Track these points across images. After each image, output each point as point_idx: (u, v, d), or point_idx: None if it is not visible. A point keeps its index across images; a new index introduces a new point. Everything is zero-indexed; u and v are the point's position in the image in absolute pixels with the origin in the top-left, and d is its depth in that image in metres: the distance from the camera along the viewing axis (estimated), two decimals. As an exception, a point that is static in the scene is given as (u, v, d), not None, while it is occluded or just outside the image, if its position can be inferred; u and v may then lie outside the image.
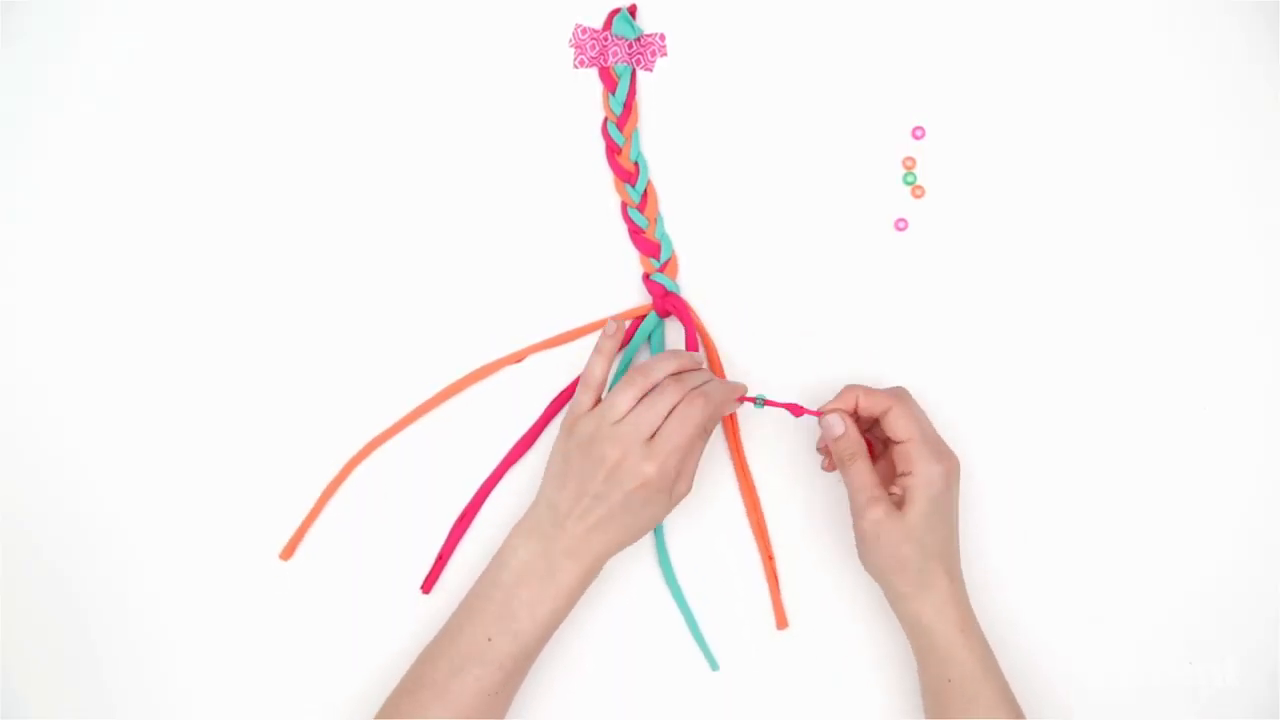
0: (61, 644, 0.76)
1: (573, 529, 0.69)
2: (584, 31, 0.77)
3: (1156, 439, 0.76)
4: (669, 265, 0.77)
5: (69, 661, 0.76)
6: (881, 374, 0.76)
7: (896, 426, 0.70)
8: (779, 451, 0.77)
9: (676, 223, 0.77)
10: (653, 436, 0.69)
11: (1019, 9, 0.77)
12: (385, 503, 0.77)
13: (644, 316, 0.77)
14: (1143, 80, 0.77)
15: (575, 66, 0.77)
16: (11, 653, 0.76)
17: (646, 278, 0.77)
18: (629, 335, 0.76)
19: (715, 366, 0.77)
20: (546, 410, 0.77)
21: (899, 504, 0.69)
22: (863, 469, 0.70)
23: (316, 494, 0.76)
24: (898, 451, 0.70)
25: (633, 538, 0.71)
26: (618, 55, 0.77)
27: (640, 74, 0.77)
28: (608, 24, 0.77)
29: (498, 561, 0.71)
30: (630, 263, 0.77)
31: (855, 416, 0.72)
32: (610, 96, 0.77)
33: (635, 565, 0.76)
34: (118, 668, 0.76)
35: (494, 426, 0.77)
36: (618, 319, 0.75)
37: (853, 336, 0.77)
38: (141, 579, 0.76)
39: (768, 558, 0.75)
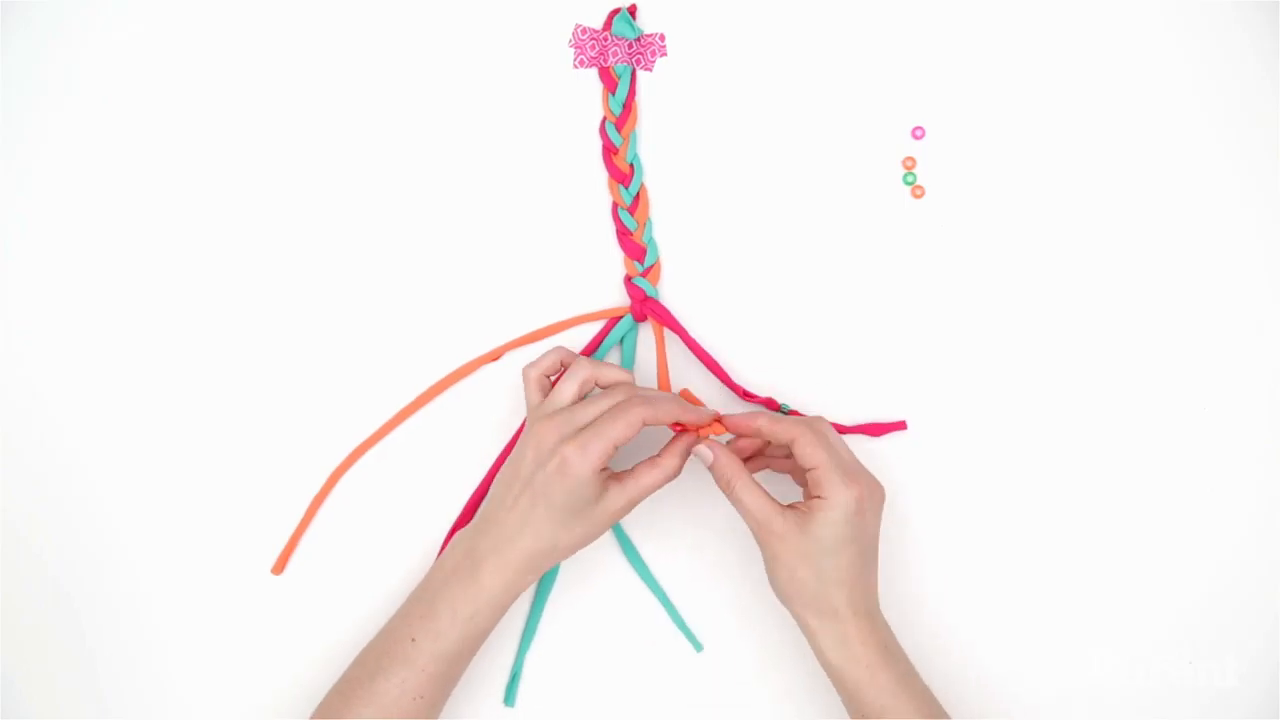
0: (58, 670, 0.76)
1: (501, 520, 0.68)
2: (584, 32, 0.77)
3: (1156, 439, 0.76)
4: (652, 270, 0.77)
5: (67, 691, 0.76)
6: (877, 379, 0.76)
7: (804, 454, 0.67)
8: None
9: (665, 229, 0.77)
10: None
11: (1019, 9, 0.77)
12: (374, 511, 0.76)
13: (619, 318, 0.76)
14: (1143, 80, 0.77)
15: (575, 66, 0.77)
16: (8, 658, 0.76)
17: (628, 280, 0.76)
18: (602, 335, 0.76)
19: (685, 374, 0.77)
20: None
21: (801, 526, 0.67)
22: (746, 490, 0.68)
23: (304, 505, 0.76)
24: (809, 479, 0.68)
25: (560, 544, 0.68)
26: (618, 55, 0.77)
27: (640, 74, 0.77)
28: (608, 24, 0.77)
29: (437, 561, 0.71)
30: (614, 264, 0.77)
31: (765, 444, 0.71)
32: (610, 97, 0.77)
33: (609, 560, 0.76)
34: (116, 682, 0.76)
35: (476, 427, 0.77)
36: (593, 317, 0.75)
37: (852, 338, 0.77)
38: (135, 593, 0.76)
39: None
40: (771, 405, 0.76)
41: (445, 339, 0.77)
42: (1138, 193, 0.77)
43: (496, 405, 0.77)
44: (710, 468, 0.70)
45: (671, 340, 0.77)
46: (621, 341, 0.77)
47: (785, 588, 0.68)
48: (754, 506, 0.68)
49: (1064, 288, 0.77)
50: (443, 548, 0.76)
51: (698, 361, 0.76)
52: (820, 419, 0.70)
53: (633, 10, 0.77)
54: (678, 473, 0.69)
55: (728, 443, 0.71)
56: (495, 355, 0.77)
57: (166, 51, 0.78)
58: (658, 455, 0.70)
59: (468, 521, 0.76)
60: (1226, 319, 0.76)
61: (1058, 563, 0.76)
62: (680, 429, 0.71)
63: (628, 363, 0.77)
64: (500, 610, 0.69)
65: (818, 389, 0.76)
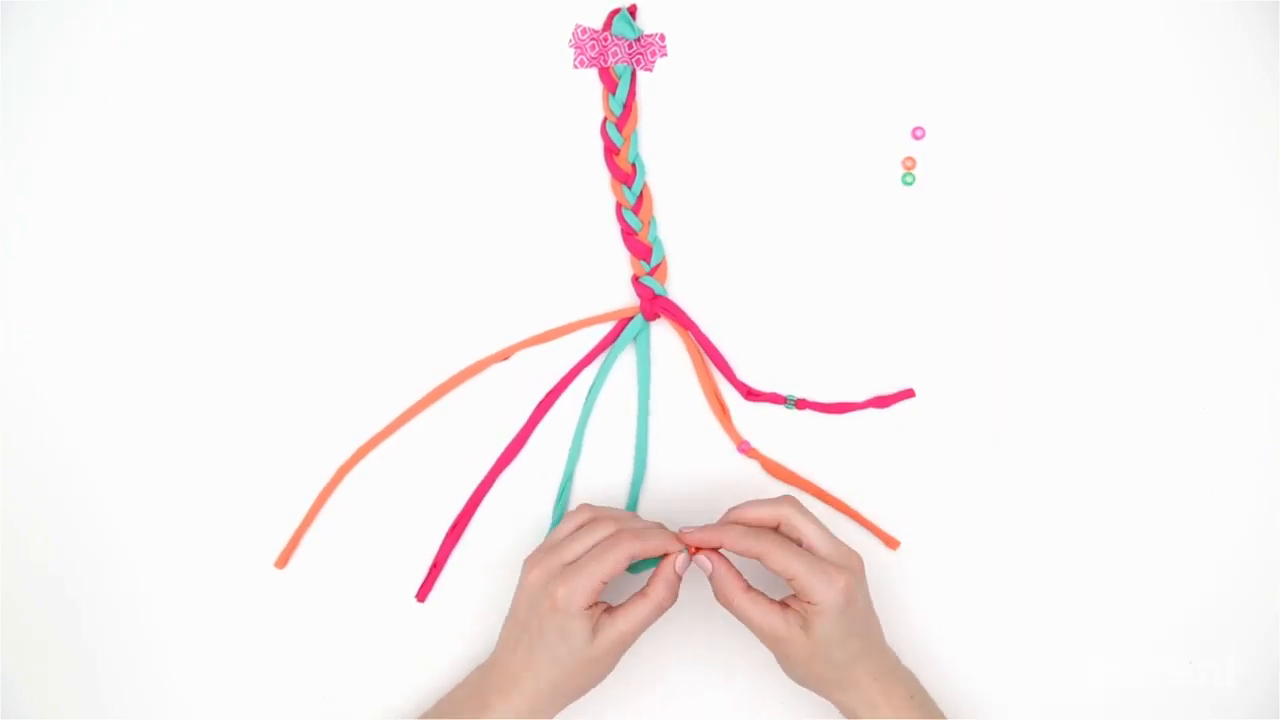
0: (58, 670, 0.76)
1: (506, 662, 0.68)
2: (584, 32, 0.77)
3: (1156, 439, 0.76)
4: (659, 269, 0.77)
5: (68, 690, 0.76)
6: (882, 373, 0.76)
7: (778, 568, 0.67)
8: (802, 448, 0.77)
9: (670, 227, 0.77)
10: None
11: (1019, 9, 0.77)
12: (379, 508, 0.76)
13: (630, 319, 0.77)
14: (1143, 80, 0.77)
15: (575, 67, 0.77)
16: (8, 658, 0.76)
17: (636, 280, 0.77)
18: (613, 335, 0.76)
19: (705, 370, 0.77)
20: (535, 411, 0.76)
21: (804, 625, 0.67)
22: (746, 603, 0.68)
23: (309, 501, 0.76)
24: (793, 587, 0.67)
25: (561, 686, 0.67)
26: (618, 55, 0.77)
27: (640, 74, 0.77)
28: (608, 24, 0.77)
29: (446, 695, 0.71)
30: (621, 264, 0.77)
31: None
32: (610, 97, 0.77)
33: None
34: (116, 681, 0.76)
35: (484, 426, 0.77)
36: (604, 318, 0.75)
37: (856, 332, 0.77)
38: (136, 592, 0.76)
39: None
40: (777, 400, 0.76)
41: (451, 341, 0.77)
42: (1138, 193, 0.77)
43: (505, 404, 0.77)
44: (710, 578, 0.69)
45: (675, 340, 0.77)
46: (635, 342, 0.77)
47: (806, 680, 0.69)
48: (758, 618, 0.68)
49: (1064, 287, 0.77)
50: (442, 551, 0.76)
51: (702, 363, 0.76)
52: (787, 498, 0.69)
53: (633, 10, 0.77)
54: (671, 601, 0.68)
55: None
56: (505, 355, 0.77)
57: (166, 51, 0.78)
58: (646, 586, 0.69)
59: (466, 522, 0.76)
60: (1226, 319, 0.76)
61: (1057, 563, 0.76)
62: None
63: (643, 362, 0.77)
64: None
65: (824, 383, 0.76)
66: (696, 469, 0.76)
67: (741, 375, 0.77)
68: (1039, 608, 0.76)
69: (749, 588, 0.69)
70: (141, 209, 0.78)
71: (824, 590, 0.66)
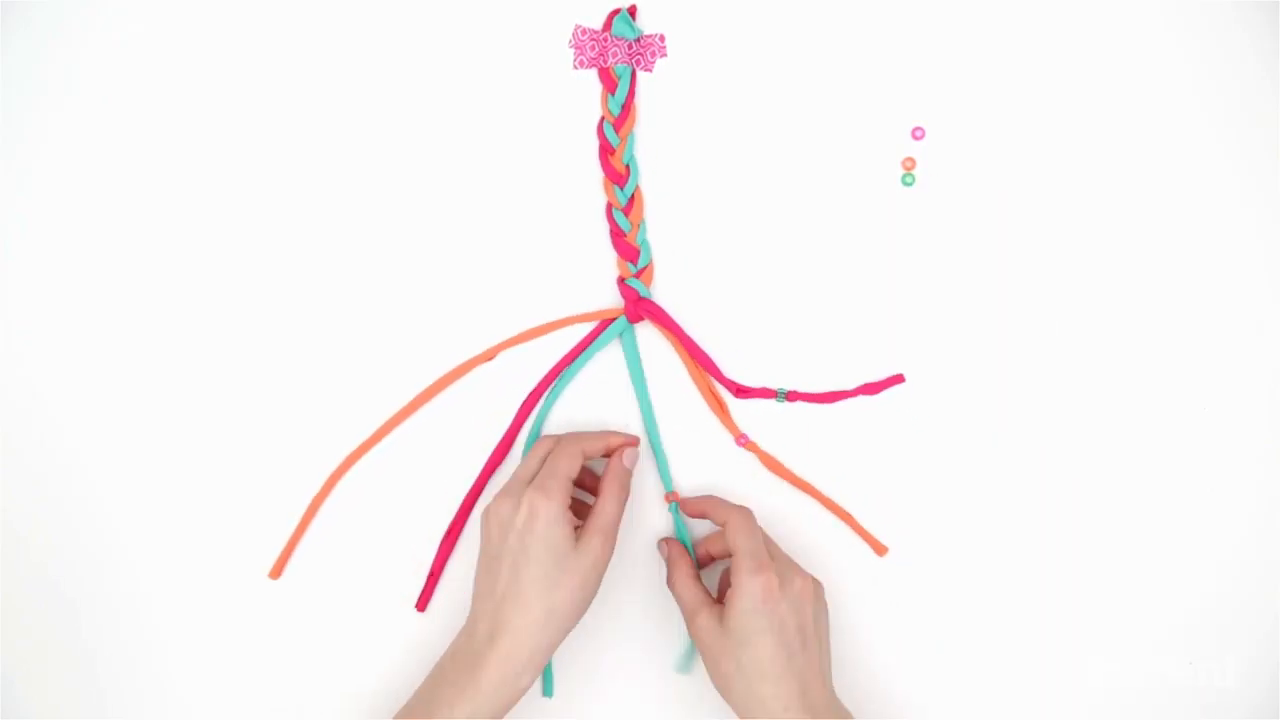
0: (58, 670, 0.76)
1: (490, 610, 0.66)
2: (584, 32, 0.77)
3: (1156, 439, 0.76)
4: (645, 272, 0.76)
5: (68, 690, 0.76)
6: (874, 378, 0.76)
7: (731, 538, 0.69)
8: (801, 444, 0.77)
9: (659, 231, 0.77)
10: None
11: (1019, 9, 0.77)
12: (372, 515, 0.76)
13: (612, 320, 0.76)
14: (1143, 80, 0.77)
15: (575, 67, 0.77)
16: (8, 658, 0.76)
17: (621, 281, 0.76)
18: (593, 335, 0.76)
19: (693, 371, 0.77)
20: (519, 412, 0.76)
21: (721, 619, 0.67)
22: (680, 581, 0.70)
23: (300, 510, 0.76)
24: (732, 559, 0.68)
25: (556, 606, 0.66)
26: (617, 56, 0.77)
27: (640, 75, 0.77)
28: (607, 25, 0.77)
29: (435, 666, 0.68)
30: (606, 265, 0.77)
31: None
32: (609, 97, 0.77)
33: (640, 549, 0.76)
34: (116, 682, 0.76)
35: (472, 428, 0.77)
36: (587, 318, 0.76)
37: (847, 343, 0.77)
38: (136, 593, 0.76)
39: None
40: (768, 394, 0.76)
41: (438, 339, 0.77)
42: (1138, 193, 0.77)
43: (492, 406, 0.77)
44: (665, 560, 0.72)
45: (663, 341, 0.77)
46: (622, 341, 0.77)
47: (717, 683, 0.67)
48: (684, 597, 0.69)
49: (1064, 287, 0.77)
50: (438, 559, 0.76)
51: (692, 361, 0.76)
52: (740, 514, 0.71)
53: (633, 11, 0.77)
54: (627, 493, 0.71)
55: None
56: (489, 355, 0.77)
57: (166, 51, 0.78)
58: (602, 485, 0.71)
59: (461, 528, 0.76)
60: (1226, 319, 0.76)
61: (1057, 562, 0.76)
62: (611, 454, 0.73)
63: (631, 364, 0.76)
64: (503, 705, 0.65)
65: (817, 379, 0.76)
66: (698, 463, 0.76)
67: (731, 375, 0.77)
68: (1038, 608, 0.76)
69: (689, 571, 0.70)
70: (139, 210, 0.78)
71: (745, 576, 0.66)
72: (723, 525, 0.70)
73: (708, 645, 0.67)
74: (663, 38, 0.77)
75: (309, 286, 0.77)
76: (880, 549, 0.76)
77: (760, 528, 0.71)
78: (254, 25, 0.78)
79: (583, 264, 0.77)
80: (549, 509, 0.67)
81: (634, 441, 0.73)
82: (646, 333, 0.77)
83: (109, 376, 0.77)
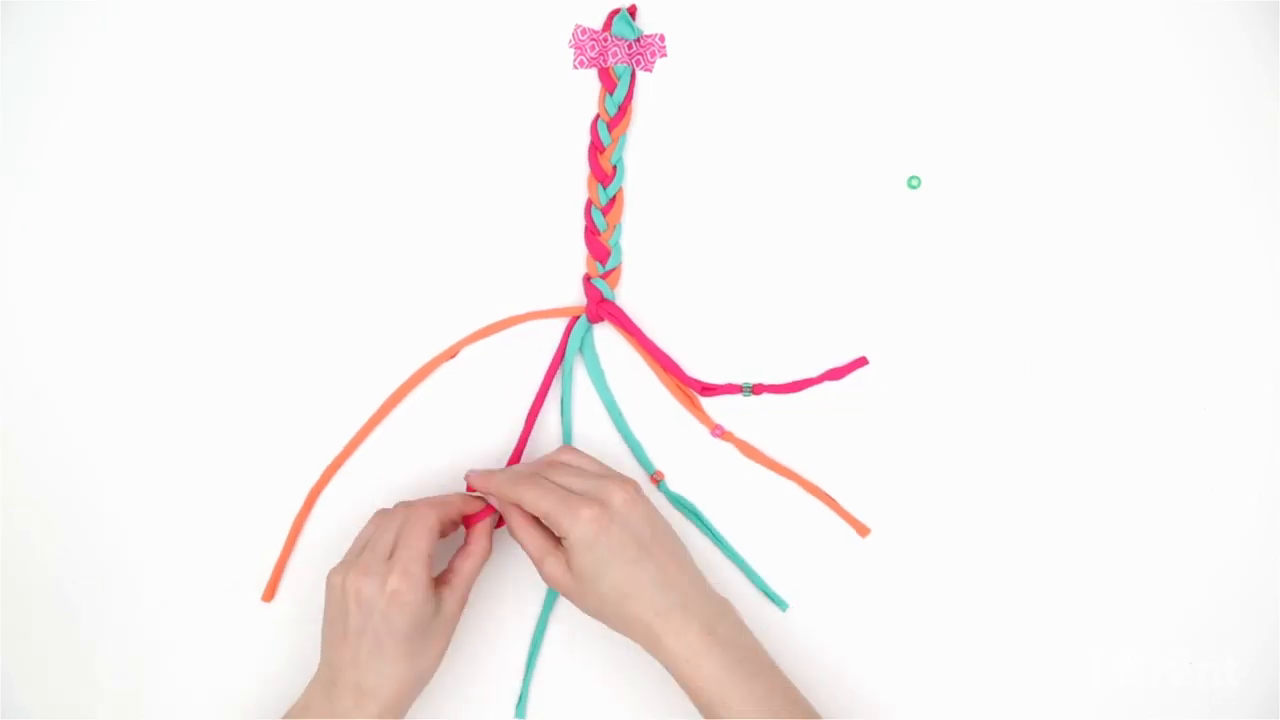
0: (58, 671, 0.76)
1: (350, 681, 0.67)
2: (584, 32, 0.77)
3: (1156, 439, 0.76)
4: (613, 274, 0.76)
5: (68, 690, 0.76)
6: (876, 380, 0.76)
7: (532, 509, 0.68)
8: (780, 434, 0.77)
9: (634, 234, 0.77)
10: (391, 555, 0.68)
11: (1019, 9, 0.77)
12: (356, 524, 0.75)
13: (577, 318, 0.76)
14: (1143, 82, 0.77)
15: (575, 67, 0.77)
16: (8, 658, 0.76)
17: (587, 280, 0.76)
18: (564, 337, 0.76)
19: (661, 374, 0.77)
20: (526, 424, 0.76)
21: (568, 565, 0.68)
22: (519, 526, 0.69)
23: (285, 529, 0.76)
24: (547, 523, 0.68)
25: (422, 669, 0.68)
26: (617, 56, 0.77)
27: (639, 75, 0.77)
28: (607, 24, 0.77)
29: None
30: (576, 262, 0.77)
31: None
32: (608, 96, 0.77)
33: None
34: (116, 683, 0.76)
35: (441, 427, 0.77)
36: (549, 314, 0.75)
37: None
38: (136, 594, 0.76)
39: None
40: (734, 390, 0.76)
41: (403, 325, 0.77)
42: (1138, 193, 0.77)
43: (458, 402, 0.77)
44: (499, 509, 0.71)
45: (625, 344, 0.77)
46: (581, 348, 0.77)
47: (589, 613, 0.68)
48: (528, 544, 0.69)
49: (1064, 287, 0.77)
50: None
51: (655, 364, 0.76)
52: (564, 448, 0.72)
53: (633, 10, 0.77)
54: (489, 551, 0.71)
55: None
56: (452, 352, 0.77)
57: (166, 51, 0.78)
58: (464, 545, 0.71)
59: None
60: (1226, 319, 0.76)
61: (1058, 564, 0.76)
62: (470, 519, 0.72)
63: (591, 365, 0.77)
64: None
65: (778, 381, 0.76)
66: (679, 455, 0.77)
67: (699, 372, 0.76)
68: (1038, 609, 0.76)
69: (531, 519, 0.69)
70: (138, 211, 0.78)
71: (570, 524, 0.66)
72: (519, 503, 0.69)
73: (564, 588, 0.68)
74: (663, 38, 0.77)
75: (282, 281, 0.77)
76: (863, 530, 0.76)
77: (552, 457, 0.71)
78: (251, 24, 0.78)
79: (552, 259, 0.77)
80: (415, 593, 0.66)
81: (489, 512, 0.72)
82: (613, 332, 0.77)
83: (108, 371, 0.77)
